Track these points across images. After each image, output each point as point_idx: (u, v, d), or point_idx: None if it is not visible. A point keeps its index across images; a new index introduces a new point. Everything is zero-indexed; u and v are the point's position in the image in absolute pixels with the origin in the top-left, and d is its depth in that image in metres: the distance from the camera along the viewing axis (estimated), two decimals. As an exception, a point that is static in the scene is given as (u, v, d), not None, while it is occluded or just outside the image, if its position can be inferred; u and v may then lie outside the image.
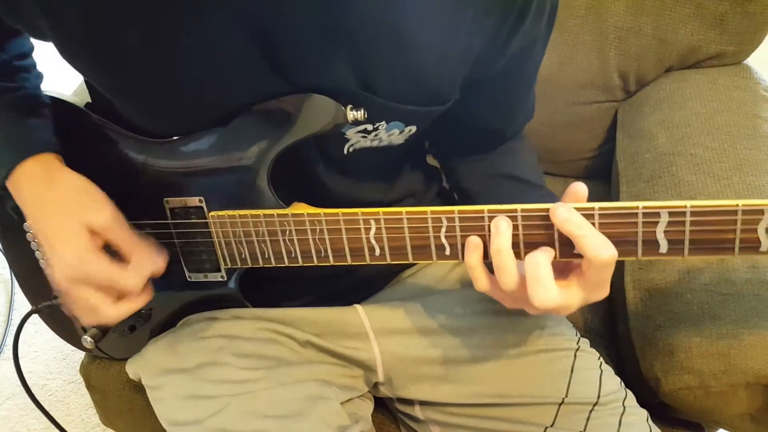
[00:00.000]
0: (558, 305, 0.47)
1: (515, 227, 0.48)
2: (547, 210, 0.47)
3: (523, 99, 0.66)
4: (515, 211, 0.48)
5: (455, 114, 0.58)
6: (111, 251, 0.54)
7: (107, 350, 0.73)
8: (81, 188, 0.54)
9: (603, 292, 0.49)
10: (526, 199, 0.62)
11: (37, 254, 0.65)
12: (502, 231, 0.48)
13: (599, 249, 0.45)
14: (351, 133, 0.54)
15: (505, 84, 0.60)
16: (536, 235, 0.48)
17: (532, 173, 0.68)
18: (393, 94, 0.52)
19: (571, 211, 0.46)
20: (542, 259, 0.46)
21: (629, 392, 0.63)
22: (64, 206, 0.53)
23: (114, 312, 0.53)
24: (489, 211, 0.48)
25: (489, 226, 0.49)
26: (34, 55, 0.64)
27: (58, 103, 0.60)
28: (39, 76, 0.63)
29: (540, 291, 0.46)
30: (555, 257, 0.48)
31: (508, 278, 0.47)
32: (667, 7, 0.93)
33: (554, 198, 0.63)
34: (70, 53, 0.50)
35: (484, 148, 0.69)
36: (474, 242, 0.49)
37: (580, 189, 0.49)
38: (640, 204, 0.45)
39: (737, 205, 0.43)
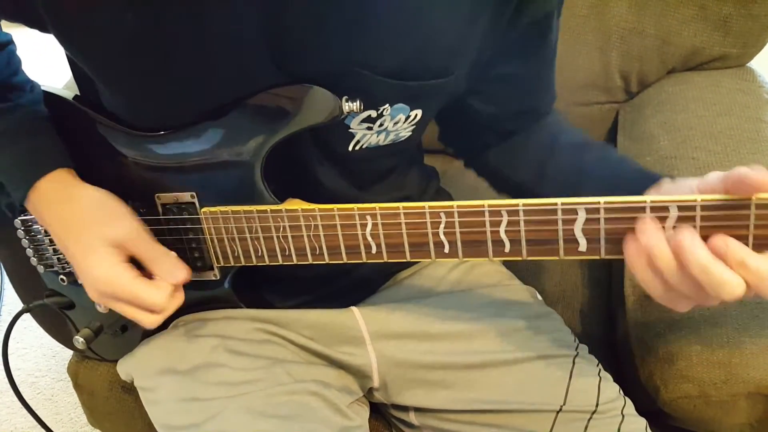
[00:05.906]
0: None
1: (516, 223, 0.46)
2: (554, 204, 0.45)
3: (548, 75, 0.64)
4: (517, 205, 0.46)
5: (483, 97, 0.58)
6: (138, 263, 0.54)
7: (98, 351, 0.72)
8: (99, 201, 0.54)
9: None
10: (588, 162, 0.62)
11: (28, 252, 0.64)
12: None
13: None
14: (356, 126, 0.53)
15: (528, 60, 0.59)
16: (543, 231, 0.47)
17: (579, 134, 0.66)
18: (393, 70, 0.50)
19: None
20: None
21: (628, 400, 0.62)
22: (83, 222, 0.53)
23: (151, 319, 0.54)
24: (489, 205, 0.47)
25: (485, 220, 0.46)
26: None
27: (47, 96, 0.59)
28: (35, 89, 0.60)
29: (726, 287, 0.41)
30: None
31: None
32: (670, 7, 0.93)
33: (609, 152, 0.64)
34: (68, 41, 0.49)
35: (518, 128, 0.67)
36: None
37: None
38: (648, 198, 0.43)
39: (750, 199, 0.41)
